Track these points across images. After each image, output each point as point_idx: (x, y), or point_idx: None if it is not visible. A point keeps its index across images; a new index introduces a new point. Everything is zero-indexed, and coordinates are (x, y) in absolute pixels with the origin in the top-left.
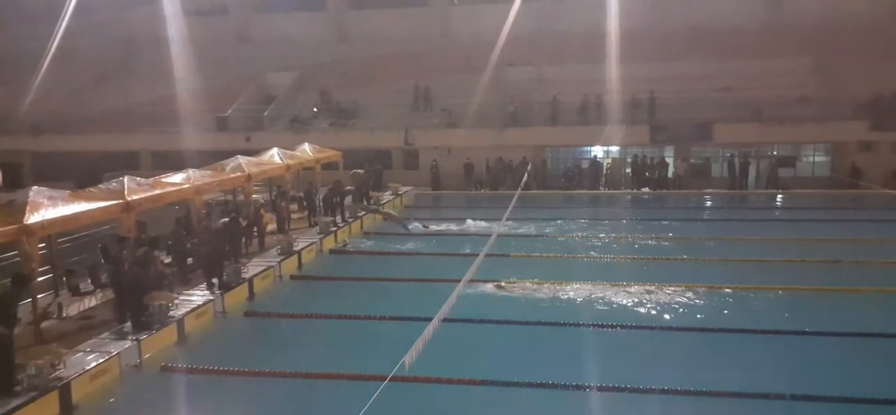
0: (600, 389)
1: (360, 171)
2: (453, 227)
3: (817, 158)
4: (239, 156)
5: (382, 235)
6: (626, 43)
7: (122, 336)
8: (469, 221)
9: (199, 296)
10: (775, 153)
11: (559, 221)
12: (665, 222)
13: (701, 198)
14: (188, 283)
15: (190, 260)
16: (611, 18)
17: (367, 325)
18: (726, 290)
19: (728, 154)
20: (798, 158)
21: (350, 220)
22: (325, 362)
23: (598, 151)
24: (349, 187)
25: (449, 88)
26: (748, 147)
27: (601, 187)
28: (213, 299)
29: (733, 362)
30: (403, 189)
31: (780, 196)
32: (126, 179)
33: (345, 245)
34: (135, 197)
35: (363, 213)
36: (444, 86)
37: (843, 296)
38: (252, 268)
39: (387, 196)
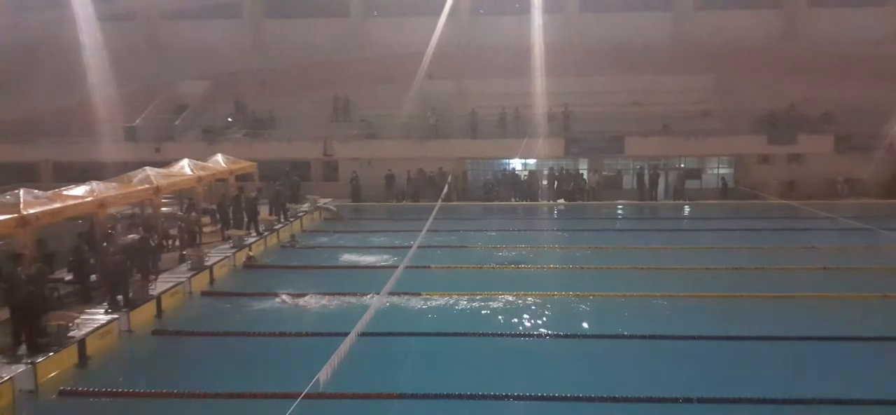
0: (519, 398)
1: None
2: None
3: (721, 171)
4: (147, 167)
5: (299, 250)
6: (542, 58)
7: (15, 360)
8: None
9: (102, 315)
10: (682, 166)
11: (479, 232)
12: (579, 232)
13: (613, 209)
14: (91, 301)
15: (93, 277)
16: (528, 34)
17: (281, 342)
18: (637, 297)
19: (638, 166)
20: (703, 170)
21: (265, 232)
22: (236, 381)
23: (516, 163)
24: (255, 194)
25: (369, 100)
26: (657, 159)
27: (519, 199)
28: (117, 318)
29: (644, 367)
30: (322, 201)
31: (686, 207)
32: (22, 191)
33: (255, 259)
34: (32, 211)
35: (280, 225)
36: (365, 97)
37: (745, 302)
38: (161, 284)
39: (304, 208)
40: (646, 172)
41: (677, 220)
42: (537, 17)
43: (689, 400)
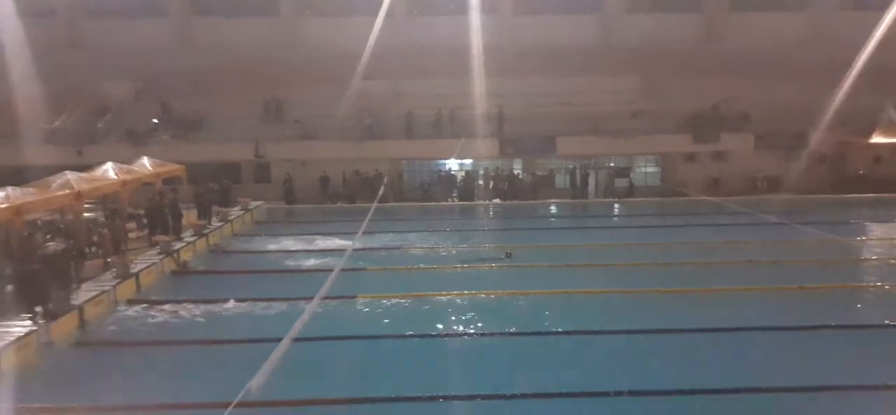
0: (458, 398)
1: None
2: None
3: (649, 169)
4: (68, 171)
5: (231, 253)
6: (477, 59)
7: None
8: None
9: (20, 327)
10: (612, 165)
11: (416, 233)
12: (514, 231)
13: (547, 207)
14: (7, 313)
15: (9, 287)
16: (463, 35)
17: (211, 350)
18: (570, 293)
19: (570, 166)
20: (632, 168)
21: (193, 237)
22: (164, 391)
23: (452, 163)
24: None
25: (303, 100)
26: (588, 159)
27: (456, 199)
28: (36, 330)
29: (577, 363)
30: (254, 204)
31: (617, 204)
32: None
33: (189, 264)
34: None
35: (209, 229)
36: (298, 97)
37: (669, 296)
38: (83, 293)
39: (236, 212)
40: (577, 171)
41: (607, 218)
42: (472, 19)
43: (618, 394)
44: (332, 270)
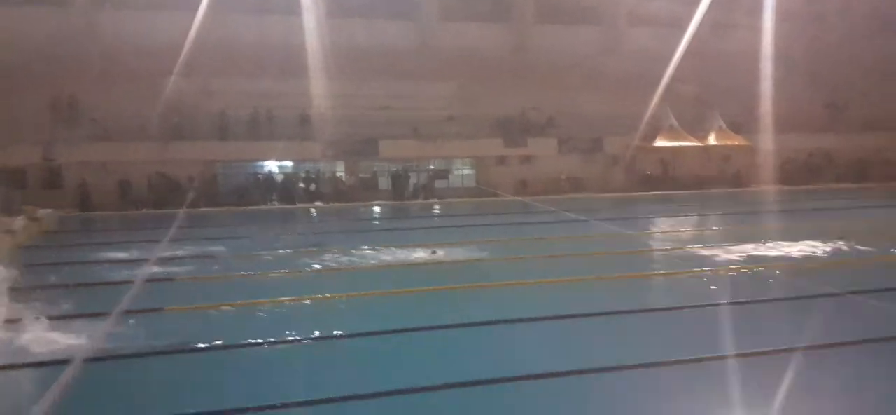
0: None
1: None
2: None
3: (465, 171)
4: None
5: (15, 267)
6: (294, 58)
7: None
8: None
9: None
10: (432, 167)
11: (232, 240)
12: (334, 233)
13: (369, 209)
14: None
15: None
16: (280, 35)
17: None
18: (390, 295)
19: (393, 168)
20: (450, 170)
21: None
22: None
23: (271, 165)
24: None
25: (101, 99)
26: (409, 162)
27: (275, 202)
28: None
29: (399, 360)
30: (42, 212)
31: (436, 206)
32: None
33: None
34: None
35: None
36: (95, 96)
37: (482, 291)
38: None
39: (20, 222)
40: (399, 173)
41: (427, 218)
42: (288, 19)
43: (430, 388)
44: (133, 282)
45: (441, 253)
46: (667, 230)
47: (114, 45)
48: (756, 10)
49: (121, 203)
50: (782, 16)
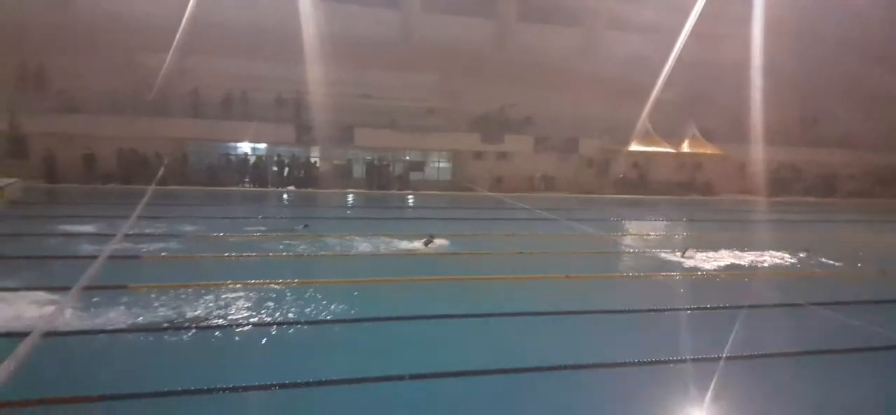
0: (246, 389)
1: None
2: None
3: (441, 164)
4: None
5: None
6: (272, 40)
7: None
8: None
9: None
10: (408, 158)
11: (201, 220)
12: (310, 220)
13: (343, 197)
14: None
15: None
16: (258, 15)
17: None
18: (357, 283)
19: (367, 157)
20: (426, 163)
21: None
22: None
23: (245, 147)
24: None
25: (70, 69)
26: (385, 151)
27: (248, 184)
28: None
29: (357, 349)
30: (7, 182)
31: (411, 197)
32: None
33: None
34: None
35: None
36: (65, 66)
37: (448, 283)
38: None
39: None
40: (374, 162)
41: (401, 209)
42: (270, 0)
43: (401, 378)
44: (97, 257)
45: (436, 243)
46: (636, 232)
47: (87, 16)
48: (735, 21)
49: (88, 176)
50: (761, 28)
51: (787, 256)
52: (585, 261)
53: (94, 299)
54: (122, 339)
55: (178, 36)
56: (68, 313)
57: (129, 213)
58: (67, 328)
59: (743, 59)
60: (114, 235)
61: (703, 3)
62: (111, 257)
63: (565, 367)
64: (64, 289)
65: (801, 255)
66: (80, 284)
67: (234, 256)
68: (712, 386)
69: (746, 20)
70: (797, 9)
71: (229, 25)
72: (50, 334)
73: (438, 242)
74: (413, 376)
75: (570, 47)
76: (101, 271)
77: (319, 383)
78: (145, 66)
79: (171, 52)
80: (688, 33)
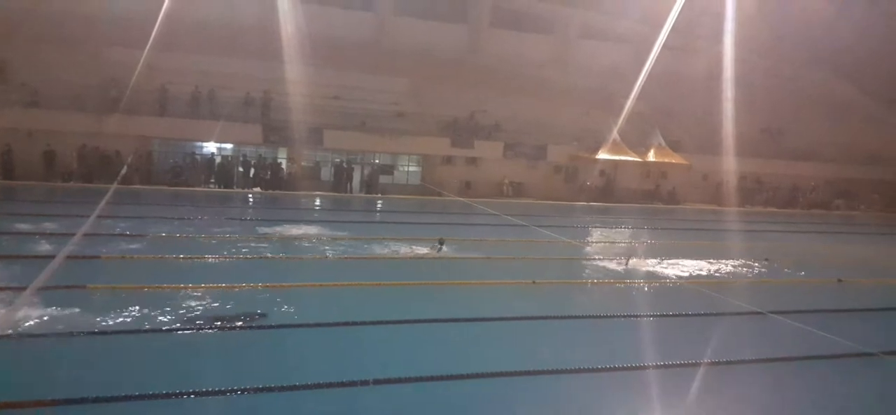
0: (208, 394)
1: None
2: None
3: (411, 168)
4: None
5: None
6: (239, 38)
7: None
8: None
9: None
10: (377, 161)
11: (165, 220)
12: (273, 222)
13: (310, 199)
14: None
15: None
16: (227, 12)
17: None
18: (324, 287)
19: (336, 159)
20: (395, 166)
21: None
22: None
23: (211, 146)
24: None
25: (32, 62)
26: (354, 154)
27: (213, 185)
28: None
29: (329, 353)
30: None
31: (379, 200)
32: None
33: None
34: None
35: None
36: (26, 59)
37: (417, 288)
38: None
39: None
40: (343, 164)
41: (369, 212)
42: None
43: (365, 383)
44: (54, 257)
45: (445, 248)
46: (602, 239)
47: (54, 7)
48: (703, 34)
49: (47, 174)
50: (727, 42)
51: (749, 264)
52: (553, 268)
53: (52, 297)
54: (78, 341)
55: (148, 30)
56: (26, 313)
57: (89, 212)
58: (29, 331)
59: (710, 72)
60: (73, 234)
61: (674, 18)
62: (72, 257)
63: (523, 373)
64: (22, 287)
65: (761, 264)
66: (36, 283)
67: (193, 258)
68: (663, 392)
69: (715, 35)
70: (764, 26)
71: (199, 23)
72: (5, 337)
73: (401, 248)
74: (377, 381)
75: (541, 55)
76: (60, 271)
77: (282, 389)
78: (112, 61)
79: (145, 48)
80: (656, 45)
